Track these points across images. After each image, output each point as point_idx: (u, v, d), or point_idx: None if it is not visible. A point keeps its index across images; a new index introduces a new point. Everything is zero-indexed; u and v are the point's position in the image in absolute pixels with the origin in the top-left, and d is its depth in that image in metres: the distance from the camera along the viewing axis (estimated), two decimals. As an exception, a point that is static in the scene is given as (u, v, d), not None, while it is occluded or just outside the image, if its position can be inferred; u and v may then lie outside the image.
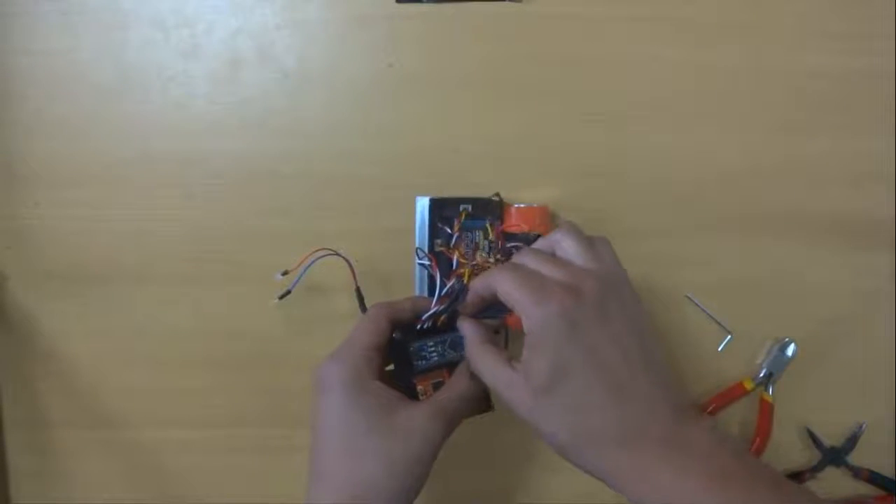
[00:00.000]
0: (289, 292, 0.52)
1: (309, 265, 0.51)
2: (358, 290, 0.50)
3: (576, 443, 0.38)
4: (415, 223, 0.53)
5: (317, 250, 0.50)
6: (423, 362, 0.46)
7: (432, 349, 0.46)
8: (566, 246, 0.42)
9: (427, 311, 0.46)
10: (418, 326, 0.46)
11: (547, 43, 0.54)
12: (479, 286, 0.44)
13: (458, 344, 0.46)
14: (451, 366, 0.46)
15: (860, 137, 0.55)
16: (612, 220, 0.55)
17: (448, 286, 0.48)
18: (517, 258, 0.43)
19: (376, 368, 0.43)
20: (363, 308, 0.50)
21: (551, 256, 0.42)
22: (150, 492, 0.57)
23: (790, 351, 0.56)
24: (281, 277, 0.51)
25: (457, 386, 0.44)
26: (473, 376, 0.44)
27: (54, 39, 0.54)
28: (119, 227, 0.55)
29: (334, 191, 0.54)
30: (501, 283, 0.41)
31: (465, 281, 0.48)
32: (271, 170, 0.54)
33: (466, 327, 0.45)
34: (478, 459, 0.57)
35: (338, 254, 0.50)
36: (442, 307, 0.46)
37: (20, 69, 0.54)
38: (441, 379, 0.46)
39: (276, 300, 0.51)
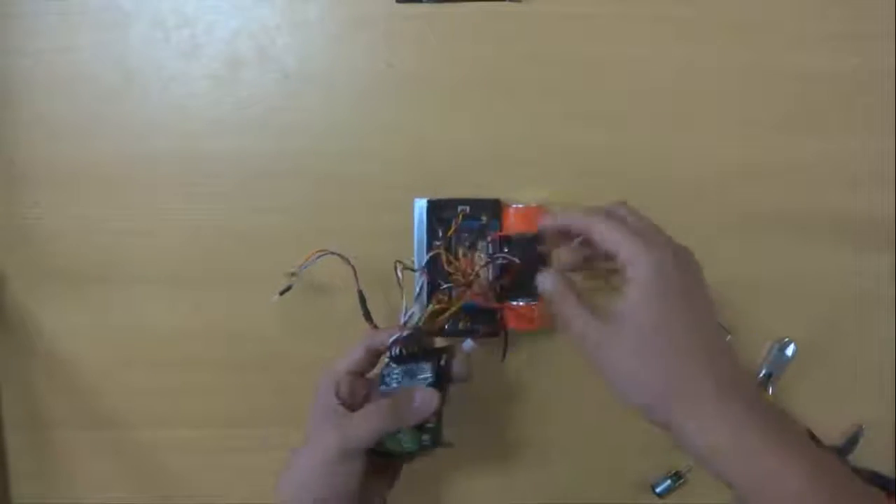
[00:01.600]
0: (289, 288, 0.52)
1: (311, 262, 0.51)
2: (360, 294, 0.50)
3: (669, 392, 0.39)
4: (413, 223, 0.53)
5: (322, 250, 0.50)
6: (385, 387, 0.47)
7: (396, 374, 0.47)
8: (635, 219, 0.44)
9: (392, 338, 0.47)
10: (388, 354, 0.47)
11: (547, 43, 0.54)
12: (570, 222, 0.45)
13: (414, 374, 0.46)
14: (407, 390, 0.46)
15: (860, 137, 0.55)
16: (612, 220, 0.55)
17: (408, 315, 0.48)
18: (610, 209, 0.44)
19: (347, 391, 0.46)
20: (365, 311, 0.50)
21: (639, 216, 0.44)
22: (150, 492, 0.57)
23: (790, 351, 0.56)
24: (291, 273, 0.51)
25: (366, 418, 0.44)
26: (386, 413, 0.44)
27: (54, 39, 0.54)
28: (119, 227, 0.55)
29: (334, 191, 0.54)
30: (601, 227, 0.42)
31: (420, 323, 0.48)
32: (271, 169, 0.54)
33: (551, 279, 0.44)
34: (479, 460, 0.57)
35: (341, 256, 0.50)
36: (399, 336, 0.46)
37: (20, 69, 0.54)
38: None
39: (276, 296, 0.51)
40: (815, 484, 0.36)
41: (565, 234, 0.46)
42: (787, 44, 0.54)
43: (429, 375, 0.46)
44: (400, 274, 0.49)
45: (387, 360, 0.47)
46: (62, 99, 0.54)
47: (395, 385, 0.46)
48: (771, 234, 0.55)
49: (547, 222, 0.47)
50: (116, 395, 0.56)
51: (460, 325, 0.51)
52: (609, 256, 0.42)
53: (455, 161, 0.54)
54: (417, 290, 0.52)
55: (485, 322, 0.51)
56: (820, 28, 0.54)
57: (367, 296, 0.50)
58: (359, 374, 0.47)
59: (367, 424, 0.43)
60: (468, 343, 0.51)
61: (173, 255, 0.55)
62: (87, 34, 0.54)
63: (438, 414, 0.45)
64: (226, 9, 0.54)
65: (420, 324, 0.47)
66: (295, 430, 0.55)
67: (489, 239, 0.52)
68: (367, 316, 0.50)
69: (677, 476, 0.56)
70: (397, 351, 0.46)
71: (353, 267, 0.50)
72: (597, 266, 0.47)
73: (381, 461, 0.45)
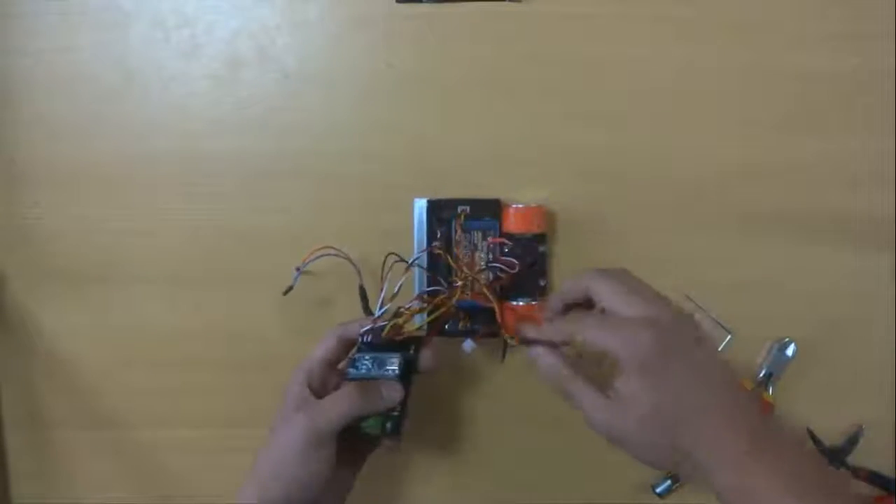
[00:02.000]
0: (291, 288, 0.52)
1: (312, 260, 0.51)
2: (361, 288, 0.50)
3: (676, 452, 0.41)
4: (413, 224, 0.53)
5: (324, 247, 0.51)
6: (354, 371, 0.48)
7: (365, 362, 0.48)
8: (606, 291, 0.44)
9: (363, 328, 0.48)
10: (360, 339, 0.48)
11: (547, 43, 0.54)
12: (551, 336, 0.45)
13: (383, 363, 0.48)
14: (372, 381, 0.47)
15: (860, 137, 0.55)
16: (612, 220, 0.55)
17: (383, 310, 0.49)
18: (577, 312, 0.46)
19: (319, 377, 0.48)
20: (366, 307, 0.50)
21: (625, 291, 0.44)
22: (150, 492, 0.57)
23: (790, 351, 0.56)
24: (292, 272, 0.51)
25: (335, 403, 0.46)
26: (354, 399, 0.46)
27: (54, 39, 0.54)
28: (119, 227, 0.55)
29: (334, 191, 0.54)
30: (585, 332, 0.43)
31: (397, 317, 0.48)
32: (271, 169, 0.54)
33: (550, 361, 0.45)
34: (479, 460, 0.57)
35: (343, 255, 0.50)
36: (368, 327, 0.48)
37: (20, 69, 0.54)
38: None
39: (282, 295, 0.52)
40: None
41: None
42: (787, 44, 0.54)
43: (395, 367, 0.47)
44: (388, 266, 0.50)
45: (357, 347, 0.49)
46: (62, 99, 0.54)
47: (363, 370, 0.47)
48: (771, 234, 0.55)
49: (529, 335, 0.46)
50: (116, 395, 0.56)
51: (460, 326, 0.51)
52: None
53: (455, 161, 0.54)
54: (417, 286, 0.52)
55: (485, 322, 0.51)
56: (820, 28, 0.54)
57: (367, 295, 0.50)
58: (331, 363, 0.49)
59: (335, 409, 0.45)
60: (468, 343, 0.51)
61: (173, 255, 0.55)
62: (88, 34, 0.54)
63: (402, 404, 0.47)
64: (226, 9, 0.54)
65: (383, 333, 0.48)
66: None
67: (488, 242, 0.52)
68: (367, 311, 0.50)
69: (677, 476, 0.56)
70: (368, 338, 0.48)
71: (353, 263, 0.50)
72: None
73: (348, 447, 0.46)
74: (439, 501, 0.57)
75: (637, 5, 0.53)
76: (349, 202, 0.55)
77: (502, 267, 0.51)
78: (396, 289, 0.49)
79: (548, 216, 0.53)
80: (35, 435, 0.57)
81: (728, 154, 0.55)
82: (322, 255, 0.51)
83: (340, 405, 0.45)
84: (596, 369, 0.43)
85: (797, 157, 0.55)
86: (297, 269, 0.52)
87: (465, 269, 0.51)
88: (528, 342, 0.46)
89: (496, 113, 0.54)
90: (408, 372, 0.48)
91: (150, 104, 0.54)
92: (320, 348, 0.48)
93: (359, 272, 0.50)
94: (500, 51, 0.54)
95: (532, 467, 0.57)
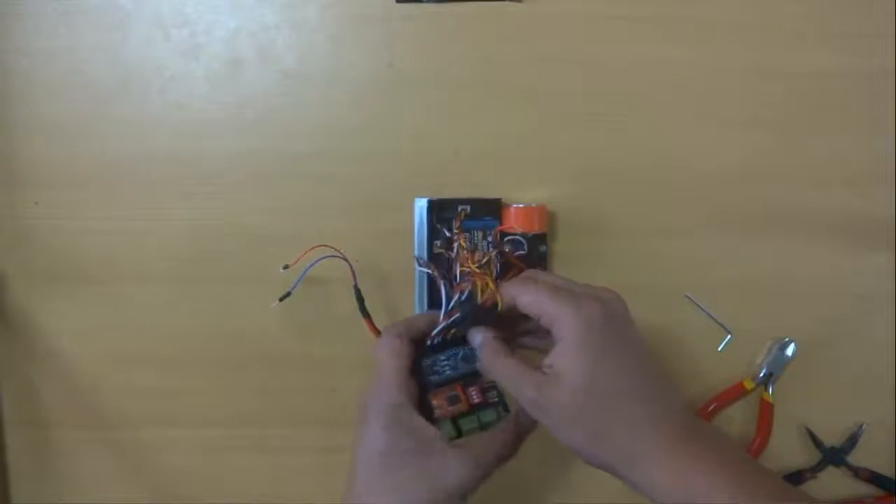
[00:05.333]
0: (289, 294, 0.51)
1: (311, 265, 0.51)
2: (357, 290, 0.50)
3: (605, 435, 0.39)
4: (413, 223, 0.53)
5: (317, 246, 0.50)
6: (437, 377, 0.45)
7: (445, 363, 0.46)
8: (552, 278, 0.44)
9: (436, 326, 0.46)
10: (428, 342, 0.46)
11: (547, 43, 0.54)
12: (521, 296, 0.44)
13: (469, 357, 0.46)
14: (463, 378, 0.46)
15: (860, 137, 0.55)
16: (612, 220, 0.55)
17: (455, 299, 0.47)
18: (530, 274, 0.45)
19: (413, 393, 0.44)
20: (363, 308, 0.50)
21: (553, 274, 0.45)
22: (150, 492, 0.57)
23: (790, 351, 0.56)
24: (283, 271, 0.51)
25: (499, 441, 0.44)
26: (516, 432, 0.44)
27: (54, 39, 0.54)
28: (119, 227, 0.55)
29: (334, 191, 0.54)
30: (525, 294, 0.42)
31: (470, 295, 0.46)
32: (271, 169, 0.54)
33: (480, 338, 0.45)
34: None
35: (338, 253, 0.50)
36: (450, 321, 0.45)
37: (20, 69, 0.54)
38: (455, 392, 0.45)
39: (277, 302, 0.51)
40: (743, 498, 0.36)
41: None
42: (787, 44, 0.54)
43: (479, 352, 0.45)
44: (424, 269, 0.50)
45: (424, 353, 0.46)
46: (62, 99, 0.54)
47: (448, 372, 0.45)
48: (771, 234, 0.55)
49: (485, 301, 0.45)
50: (116, 395, 0.56)
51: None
52: (535, 318, 0.42)
53: (455, 161, 0.54)
54: (417, 287, 0.52)
55: (485, 322, 0.51)
56: (820, 28, 0.54)
57: (367, 295, 0.50)
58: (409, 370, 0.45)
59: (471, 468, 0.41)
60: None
61: (173, 255, 0.55)
62: (87, 34, 0.54)
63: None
64: (226, 9, 0.54)
65: (481, 300, 0.45)
66: (295, 430, 0.56)
67: (491, 236, 0.52)
68: (364, 312, 0.49)
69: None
70: (439, 339, 0.46)
71: (347, 261, 0.50)
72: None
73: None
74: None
75: (637, 5, 0.53)
76: (349, 202, 0.55)
77: (511, 255, 0.51)
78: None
79: (548, 216, 0.53)
80: (35, 435, 0.57)
81: (728, 154, 0.55)
82: (319, 260, 0.51)
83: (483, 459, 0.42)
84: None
85: (797, 157, 0.55)
86: (290, 273, 0.51)
87: (472, 257, 0.51)
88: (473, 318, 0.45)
89: (496, 113, 0.54)
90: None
91: (149, 104, 0.54)
92: (397, 356, 0.43)
93: (353, 273, 0.50)
94: (500, 51, 0.54)
95: (532, 467, 0.57)
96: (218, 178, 0.54)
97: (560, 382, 0.40)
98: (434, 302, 0.51)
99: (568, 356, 0.40)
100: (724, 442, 0.40)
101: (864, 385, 0.56)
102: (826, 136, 0.55)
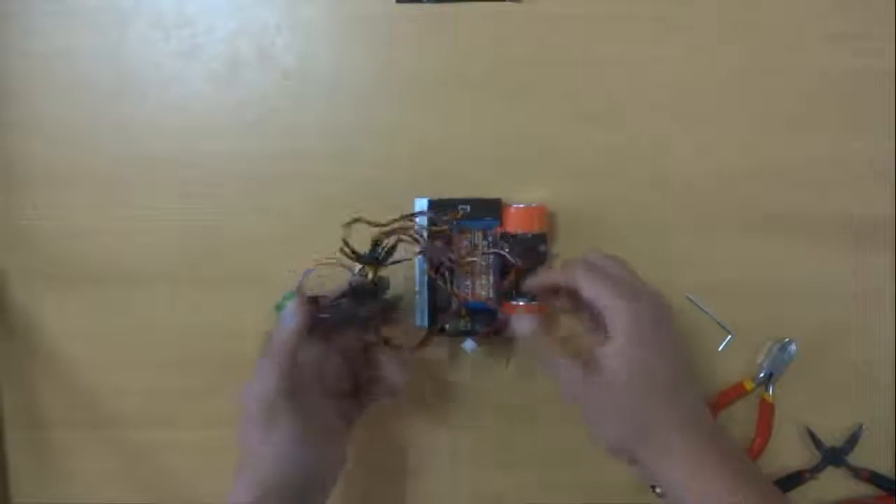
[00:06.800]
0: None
1: (306, 273, 0.50)
2: (350, 286, 0.50)
3: (640, 431, 0.43)
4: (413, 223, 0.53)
5: (315, 263, 0.49)
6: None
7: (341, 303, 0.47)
8: (614, 267, 0.47)
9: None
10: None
11: (547, 43, 0.54)
12: (554, 279, 0.48)
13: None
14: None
15: (860, 137, 0.55)
16: (612, 220, 0.55)
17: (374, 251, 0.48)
18: (589, 259, 0.47)
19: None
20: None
21: (616, 262, 0.47)
22: (150, 492, 0.57)
23: (790, 351, 0.56)
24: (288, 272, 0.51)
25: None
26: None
27: (54, 39, 0.54)
28: (118, 228, 0.55)
29: (334, 190, 0.54)
30: (585, 280, 0.44)
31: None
32: (271, 170, 0.54)
33: (528, 326, 0.49)
34: (480, 461, 0.57)
35: (335, 261, 0.50)
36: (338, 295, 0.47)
37: (19, 69, 0.54)
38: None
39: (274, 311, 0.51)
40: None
41: (552, 290, 0.49)
42: (787, 44, 0.54)
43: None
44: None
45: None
46: (61, 99, 0.54)
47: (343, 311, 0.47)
48: (771, 234, 0.55)
49: (533, 283, 0.50)
50: (116, 395, 0.56)
51: (460, 326, 0.51)
52: (590, 304, 0.45)
53: (455, 161, 0.54)
54: (417, 286, 0.52)
55: (485, 322, 0.51)
56: (820, 28, 0.54)
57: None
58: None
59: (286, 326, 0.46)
60: (469, 343, 0.51)
61: (173, 255, 0.55)
62: (86, 34, 0.54)
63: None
64: (226, 9, 0.54)
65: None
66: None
67: (491, 235, 0.52)
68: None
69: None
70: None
71: (344, 265, 0.50)
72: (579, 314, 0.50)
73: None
74: (438, 501, 0.57)
75: (637, 5, 0.53)
76: (349, 202, 0.54)
77: (507, 255, 0.51)
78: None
79: (548, 216, 0.53)
80: (35, 435, 0.57)
81: (728, 154, 0.55)
82: (314, 270, 0.50)
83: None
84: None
85: (797, 158, 0.55)
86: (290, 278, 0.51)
87: (469, 251, 0.51)
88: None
89: (496, 113, 0.54)
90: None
91: (148, 105, 0.54)
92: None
93: (351, 271, 0.50)
94: (500, 51, 0.54)
95: (531, 467, 0.57)
96: (217, 178, 0.54)
97: (605, 370, 0.42)
98: (435, 302, 0.51)
99: (616, 344, 0.42)
100: (737, 447, 0.45)
101: (864, 385, 0.56)
102: (826, 136, 0.55)
